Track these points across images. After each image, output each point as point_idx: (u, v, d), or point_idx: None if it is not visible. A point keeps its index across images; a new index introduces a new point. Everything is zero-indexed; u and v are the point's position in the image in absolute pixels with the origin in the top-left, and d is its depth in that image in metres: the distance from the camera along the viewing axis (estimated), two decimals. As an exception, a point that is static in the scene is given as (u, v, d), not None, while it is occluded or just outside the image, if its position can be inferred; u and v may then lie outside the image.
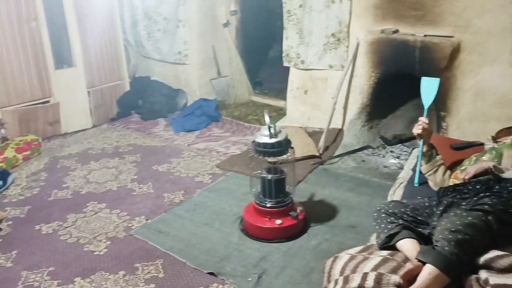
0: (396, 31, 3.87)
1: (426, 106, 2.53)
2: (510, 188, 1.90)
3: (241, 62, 5.52)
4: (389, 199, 2.64)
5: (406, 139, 4.26)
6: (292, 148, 2.99)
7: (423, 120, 2.43)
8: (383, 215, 2.04)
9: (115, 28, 5.24)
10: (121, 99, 5.42)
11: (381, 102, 4.24)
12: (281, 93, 5.19)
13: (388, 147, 4.22)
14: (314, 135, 4.39)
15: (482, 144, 2.72)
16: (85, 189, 3.74)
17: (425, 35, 3.73)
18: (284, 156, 2.93)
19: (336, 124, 4.40)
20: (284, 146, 2.91)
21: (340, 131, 4.38)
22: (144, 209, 3.41)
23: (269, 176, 2.97)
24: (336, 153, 4.13)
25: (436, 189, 2.44)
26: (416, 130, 2.43)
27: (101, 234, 3.10)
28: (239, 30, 5.63)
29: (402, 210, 2.03)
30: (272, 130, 2.86)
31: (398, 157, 4.05)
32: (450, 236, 1.68)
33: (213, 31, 5.44)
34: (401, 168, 3.85)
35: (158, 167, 4.11)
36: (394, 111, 4.41)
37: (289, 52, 4.51)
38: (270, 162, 2.98)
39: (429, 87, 2.55)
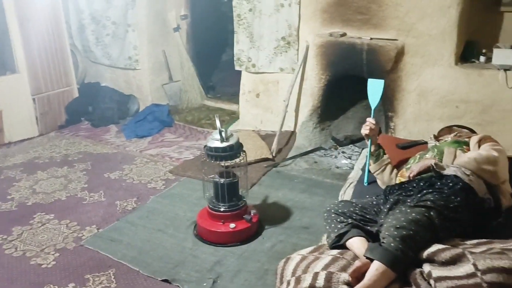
0: (343, 34, 3.96)
1: (372, 107, 2.61)
2: (450, 184, 1.99)
3: (193, 66, 5.49)
4: (339, 199, 2.69)
5: (357, 140, 4.37)
6: (244, 151, 3.00)
7: (370, 120, 2.50)
8: (333, 215, 2.08)
9: (61, 33, 5.08)
10: (69, 106, 5.26)
11: (331, 103, 4.32)
12: (234, 96, 5.21)
13: (339, 148, 4.31)
14: (267, 138, 4.42)
15: (426, 142, 2.83)
16: (31, 200, 3.60)
17: (371, 38, 3.84)
18: (237, 160, 2.93)
19: (289, 126, 4.45)
20: (236, 149, 2.91)
21: (292, 134, 4.43)
22: (95, 218, 3.33)
23: (222, 180, 2.96)
24: (289, 155, 4.18)
25: (384, 187, 2.51)
26: (364, 130, 2.50)
27: (49, 246, 2.99)
28: (190, 34, 5.60)
29: (351, 209, 2.08)
30: (223, 134, 2.86)
31: (349, 158, 4.15)
32: (396, 233, 1.73)
33: (163, 35, 5.38)
34: (353, 168, 3.94)
35: (110, 175, 4.02)
36: (344, 113, 4.52)
37: (240, 56, 4.53)
38: (222, 166, 2.98)
39: (375, 88, 2.63)
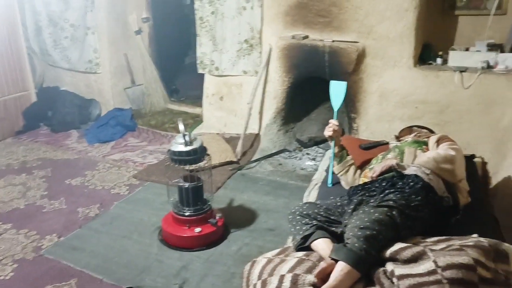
0: (306, 37, 4.00)
1: (335, 109, 2.64)
2: (411, 183, 2.04)
3: (155, 70, 5.42)
4: (304, 200, 2.71)
5: (321, 141, 4.42)
6: (208, 155, 2.98)
7: (333, 122, 2.52)
8: (297, 217, 2.09)
9: (17, 35, 4.93)
10: (27, 111, 5.10)
11: (295, 106, 4.36)
12: (198, 100, 5.17)
13: (304, 149, 4.34)
14: (231, 141, 4.41)
15: (388, 143, 2.88)
16: (-13, 210, 3.47)
17: (333, 41, 3.89)
18: (201, 164, 2.91)
19: (253, 129, 4.45)
20: (200, 153, 2.89)
21: (256, 136, 4.44)
22: (56, 226, 3.23)
23: (186, 185, 2.94)
24: (254, 158, 4.18)
25: (347, 188, 2.55)
26: (327, 132, 2.52)
27: (7, 257, 2.88)
28: (152, 37, 5.53)
29: (316, 211, 2.09)
30: (187, 138, 2.83)
31: (314, 159, 4.19)
32: (359, 233, 1.76)
33: (125, 38, 5.29)
34: (317, 169, 3.98)
35: (71, 181, 3.91)
36: (308, 114, 4.56)
37: (203, 59, 4.51)
38: (187, 170, 2.95)
39: (337, 90, 2.66)
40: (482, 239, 1.80)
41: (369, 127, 4.00)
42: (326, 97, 4.37)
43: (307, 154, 4.27)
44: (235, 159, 4.11)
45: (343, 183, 2.58)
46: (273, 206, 3.47)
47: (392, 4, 3.64)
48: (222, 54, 4.39)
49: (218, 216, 3.07)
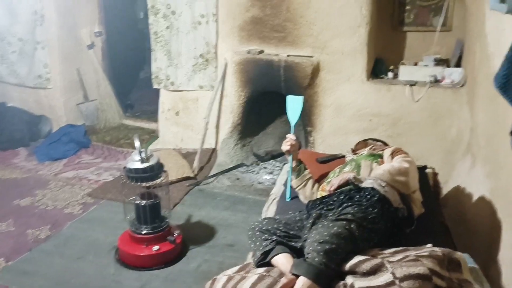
0: (261, 52, 4.04)
1: (292, 123, 2.66)
2: (368, 196, 2.08)
3: (109, 85, 5.30)
4: (263, 215, 2.71)
5: (277, 155, 4.45)
6: (165, 171, 2.94)
7: (291, 137, 2.54)
8: (257, 233, 2.09)
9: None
10: (-29, 129, 4.87)
11: (252, 120, 4.37)
12: (153, 115, 5.10)
13: (261, 163, 4.36)
14: (188, 156, 4.37)
15: (344, 156, 2.93)
16: None
17: (288, 55, 3.95)
18: (158, 180, 2.86)
19: (210, 144, 4.43)
20: (157, 170, 2.84)
21: (213, 151, 4.42)
22: (5, 249, 3.07)
23: (143, 202, 2.87)
24: (211, 173, 4.15)
25: (306, 202, 2.57)
26: (285, 146, 2.54)
27: (-49, 284, 2.72)
28: (105, 52, 5.41)
29: (275, 226, 2.09)
30: (143, 155, 2.78)
31: (271, 173, 4.20)
32: (319, 247, 1.77)
33: (77, 53, 5.15)
34: (275, 183, 4.00)
35: (20, 201, 3.74)
36: (264, 128, 4.59)
37: (159, 74, 4.45)
38: (143, 187, 2.89)
39: (294, 105, 2.68)
40: (436, 248, 1.85)
41: (325, 140, 4.06)
42: (282, 111, 4.43)
43: (265, 168, 4.29)
44: (192, 175, 4.07)
45: (301, 197, 2.60)
46: (232, 221, 3.44)
47: (345, 20, 3.74)
48: (178, 69, 4.36)
49: (176, 233, 3.02)
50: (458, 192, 3.12)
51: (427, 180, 2.88)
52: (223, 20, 4.13)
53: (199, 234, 3.27)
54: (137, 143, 2.79)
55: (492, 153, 2.63)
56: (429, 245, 2.04)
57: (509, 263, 2.14)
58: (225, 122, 4.34)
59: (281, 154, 4.47)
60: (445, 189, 3.34)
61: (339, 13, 3.74)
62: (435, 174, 3.07)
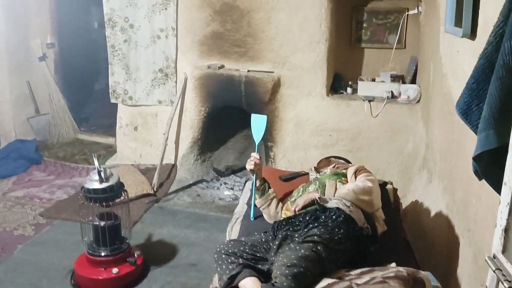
0: (222, 67, 4.02)
1: (256, 142, 2.64)
2: (333, 217, 2.09)
3: (63, 98, 5.12)
4: (227, 236, 2.67)
5: (238, 170, 4.43)
6: (125, 191, 2.85)
7: (255, 155, 2.52)
8: (223, 256, 2.05)
9: None
10: None
11: (212, 135, 4.34)
12: (110, 129, 4.96)
13: (221, 178, 4.32)
14: (147, 172, 4.26)
15: (307, 173, 2.95)
16: None
17: (248, 71, 3.95)
18: (118, 201, 2.77)
19: (169, 159, 4.35)
20: (117, 189, 2.76)
21: (173, 167, 4.34)
22: None
23: (102, 223, 2.77)
24: (171, 190, 4.07)
25: (270, 221, 2.55)
26: (249, 166, 2.52)
27: None
28: (58, 63, 5.23)
29: (241, 248, 2.06)
30: (102, 174, 2.68)
31: (232, 188, 4.17)
32: (287, 271, 1.76)
33: (27, 65, 4.95)
34: (236, 199, 3.97)
35: (-35, 224, 3.53)
36: (225, 143, 4.56)
37: (116, 88, 4.34)
38: (103, 207, 2.79)
39: (258, 123, 2.66)
40: (400, 268, 1.88)
41: (286, 155, 4.07)
42: (242, 125, 4.46)
43: (225, 183, 4.25)
44: (151, 192, 3.97)
45: (265, 216, 2.58)
46: (194, 240, 3.38)
47: (304, 36, 3.79)
48: (136, 84, 4.26)
49: (137, 254, 2.93)
50: (416, 206, 3.20)
51: (388, 196, 2.93)
52: (183, 35, 4.08)
53: (160, 253, 3.19)
54: (96, 163, 2.69)
55: (447, 169, 2.71)
56: (393, 264, 2.07)
57: (467, 278, 2.20)
58: (185, 137, 4.28)
59: (242, 169, 4.46)
60: (404, 203, 3.42)
61: (299, 29, 3.78)
62: (395, 190, 3.14)
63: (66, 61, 5.36)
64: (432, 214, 2.86)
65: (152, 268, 3.01)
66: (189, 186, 4.13)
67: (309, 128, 3.98)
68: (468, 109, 1.53)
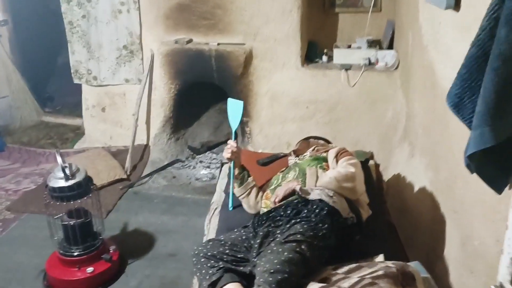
0: (190, 41, 3.79)
1: (233, 129, 2.48)
2: (316, 210, 1.97)
3: (22, 79, 4.80)
4: (205, 229, 2.54)
5: (213, 146, 4.28)
6: (94, 185, 2.68)
7: (232, 143, 2.37)
8: (202, 260, 1.92)
9: None
10: None
11: (184, 111, 4.15)
12: (77, 108, 4.69)
13: (197, 156, 4.17)
14: (118, 154, 4.07)
15: (285, 155, 2.82)
16: None
17: (218, 44, 3.73)
18: (86, 197, 2.60)
19: (141, 140, 4.16)
20: (85, 186, 2.58)
21: (146, 147, 4.16)
22: None
23: (72, 222, 2.60)
24: (145, 172, 3.90)
25: (250, 211, 2.44)
26: (226, 154, 2.37)
27: None
28: (14, 42, 4.88)
29: (221, 249, 1.94)
30: (67, 171, 2.50)
31: (208, 167, 4.03)
32: (271, 279, 1.65)
33: (-20, 45, 4.61)
34: (213, 178, 3.85)
35: None
36: (198, 119, 4.39)
37: (79, 68, 4.07)
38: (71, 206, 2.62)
39: (234, 109, 2.49)
40: (389, 263, 1.80)
41: (262, 130, 3.93)
42: (216, 99, 4.27)
43: (201, 162, 4.10)
44: (125, 176, 3.79)
45: (245, 206, 2.45)
46: (171, 226, 3.26)
47: (276, 6, 3.58)
48: (100, 62, 4.00)
49: (112, 248, 2.79)
50: (399, 181, 3.12)
51: (371, 174, 2.83)
52: (146, 8, 3.81)
53: (137, 244, 3.06)
54: (59, 159, 2.50)
55: (430, 145, 2.62)
56: (381, 257, 1.99)
57: (454, 262, 2.14)
58: (156, 116, 4.08)
59: (218, 144, 4.31)
60: (386, 176, 3.34)
61: (270, -2, 3.56)
62: (377, 166, 3.04)
63: (22, 38, 5.02)
64: (415, 190, 2.79)
65: (129, 261, 2.89)
66: (164, 167, 3.97)
67: (285, 101, 3.82)
68: (460, 102, 1.39)
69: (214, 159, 4.14)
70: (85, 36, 3.95)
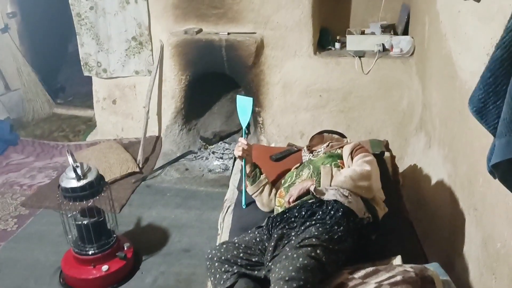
0: (200, 31, 3.71)
1: (244, 126, 2.42)
2: (332, 212, 1.92)
3: (32, 71, 4.77)
4: (219, 228, 2.52)
5: (226, 136, 4.25)
6: (106, 183, 2.66)
7: (242, 141, 2.32)
8: (216, 264, 1.90)
9: None
10: None
11: (195, 102, 4.10)
12: (88, 98, 4.65)
13: (209, 147, 4.13)
14: (130, 146, 4.05)
15: (299, 150, 2.76)
16: None
17: (228, 33, 3.66)
18: (99, 197, 2.58)
19: (153, 131, 4.13)
20: (97, 185, 2.56)
21: (158, 139, 4.12)
22: None
23: (85, 221, 2.60)
24: (157, 165, 3.88)
25: (264, 209, 2.40)
26: (237, 152, 2.32)
27: None
28: (23, 34, 4.84)
29: (235, 253, 1.91)
30: (79, 171, 2.48)
31: (221, 158, 4.00)
32: (286, 287, 1.61)
33: (-11, 38, 4.58)
34: (226, 169, 3.81)
35: None
36: (210, 108, 4.34)
37: (88, 61, 4.03)
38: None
39: (244, 106, 2.43)
40: (408, 267, 1.75)
41: (275, 120, 3.87)
42: (227, 89, 4.21)
43: (213, 153, 4.06)
44: (137, 169, 3.77)
45: (258, 204, 2.41)
46: (185, 221, 3.24)
47: (287, -8, 3.48)
48: (109, 54, 3.94)
49: (126, 246, 2.79)
50: (415, 172, 3.05)
51: (387, 167, 2.76)
52: (154, -2, 3.73)
53: (151, 240, 3.05)
54: (70, 159, 2.48)
55: (448, 137, 2.54)
56: (398, 259, 1.94)
57: (475, 261, 2.08)
58: (167, 108, 4.04)
59: (230, 134, 4.27)
60: (401, 167, 3.27)
61: (281, -16, 3.46)
62: (392, 158, 2.97)
63: (32, 29, 4.97)
64: (433, 182, 2.72)
65: (144, 257, 2.89)
66: (176, 159, 3.94)
67: (297, 89, 3.75)
68: (484, 107, 1.32)
69: (227, 149, 4.10)
70: (93, 28, 3.89)
